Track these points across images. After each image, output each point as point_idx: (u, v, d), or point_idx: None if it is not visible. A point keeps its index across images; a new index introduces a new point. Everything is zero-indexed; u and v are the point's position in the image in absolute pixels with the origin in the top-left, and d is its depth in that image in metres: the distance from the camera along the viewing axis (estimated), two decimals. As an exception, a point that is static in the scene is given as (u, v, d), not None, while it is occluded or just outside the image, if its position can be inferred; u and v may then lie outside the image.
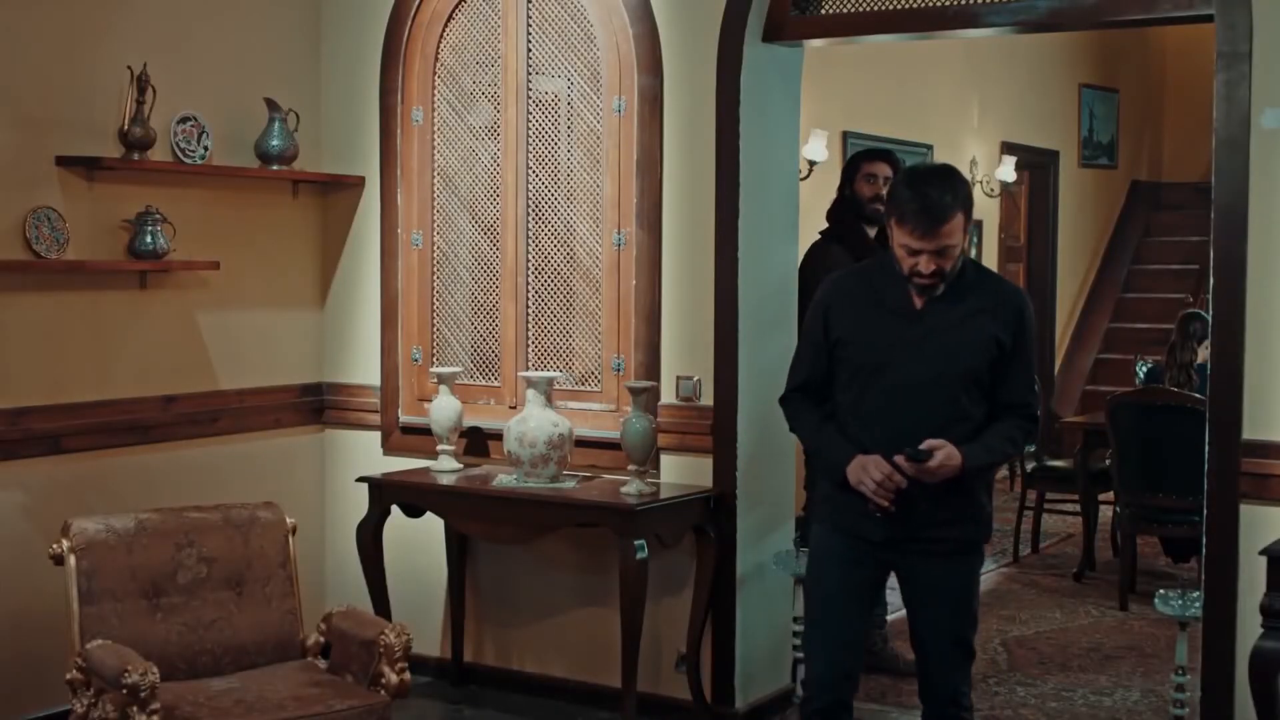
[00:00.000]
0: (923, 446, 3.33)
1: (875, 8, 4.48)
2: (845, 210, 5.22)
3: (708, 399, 4.67)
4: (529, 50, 4.94)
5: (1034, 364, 3.47)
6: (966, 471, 3.36)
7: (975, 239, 9.93)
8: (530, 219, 4.98)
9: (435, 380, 4.99)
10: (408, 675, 3.90)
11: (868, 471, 3.37)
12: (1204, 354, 6.49)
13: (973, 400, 3.42)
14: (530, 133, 4.96)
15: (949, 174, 3.32)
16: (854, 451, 3.43)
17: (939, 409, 3.38)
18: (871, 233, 5.18)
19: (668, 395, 4.74)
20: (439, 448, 4.93)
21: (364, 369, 5.32)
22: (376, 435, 5.29)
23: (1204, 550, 3.96)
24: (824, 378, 3.55)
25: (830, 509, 3.59)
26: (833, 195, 5.37)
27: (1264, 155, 3.85)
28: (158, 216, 4.65)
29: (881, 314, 3.44)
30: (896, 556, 3.54)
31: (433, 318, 5.19)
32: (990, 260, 10.17)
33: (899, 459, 3.35)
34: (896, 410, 3.39)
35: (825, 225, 5.30)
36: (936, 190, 3.27)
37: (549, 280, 4.96)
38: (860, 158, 5.31)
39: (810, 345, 3.59)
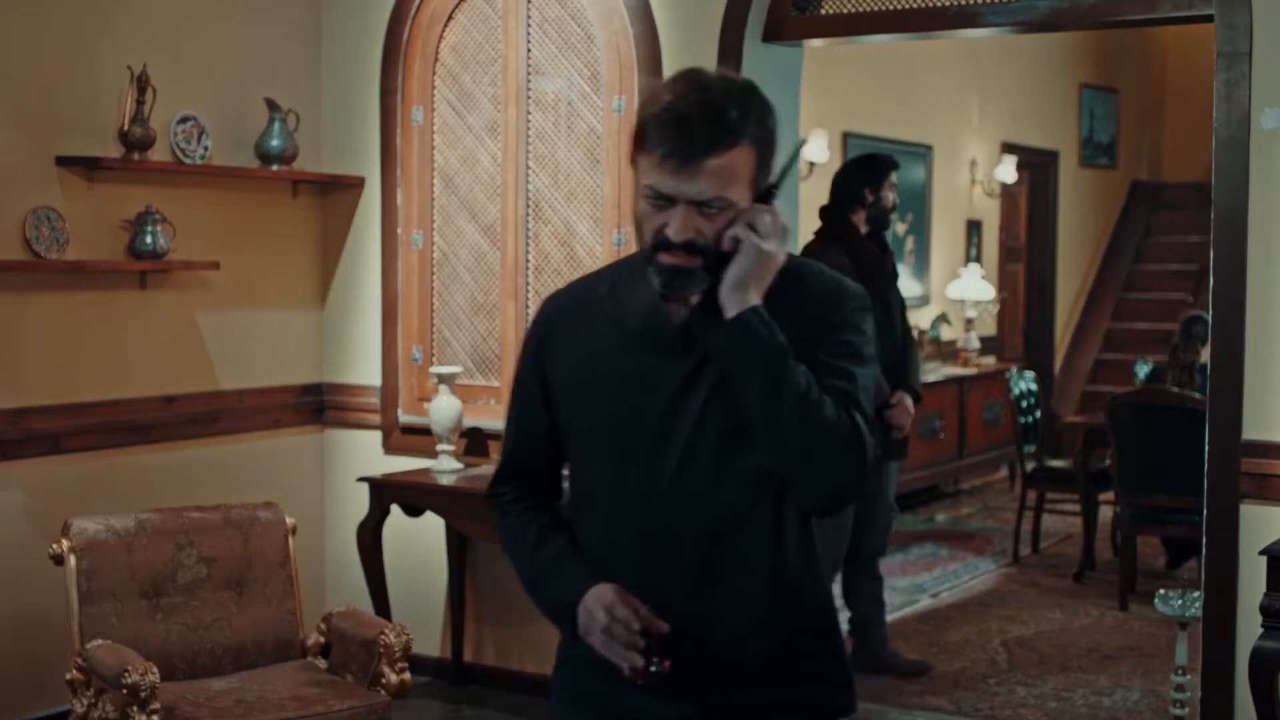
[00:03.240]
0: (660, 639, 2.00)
1: (875, 8, 4.48)
2: (843, 215, 5.20)
3: (708, 399, 4.65)
4: (529, 50, 4.94)
5: (858, 379, 2.02)
6: (742, 327, 1.96)
7: (975, 239, 9.94)
8: (530, 219, 4.98)
9: (435, 380, 4.99)
10: (408, 675, 3.90)
11: (594, 616, 2.02)
12: (1207, 354, 6.50)
13: (774, 481, 2.02)
14: (530, 133, 4.96)
15: (740, 84, 2.01)
16: (589, 581, 2.06)
17: (721, 498, 2.02)
18: (864, 229, 5.19)
19: (668, 395, 4.72)
20: (439, 448, 4.93)
21: (364, 369, 5.32)
22: (376, 435, 5.29)
23: (1204, 550, 3.96)
24: (546, 458, 2.22)
25: (574, 676, 2.24)
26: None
27: (1264, 155, 3.85)
28: (158, 216, 4.65)
29: (624, 343, 2.07)
30: None
31: (433, 318, 5.19)
32: (990, 261, 10.18)
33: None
34: (652, 507, 2.04)
35: (819, 225, 5.29)
36: (717, 97, 1.95)
37: (549, 280, 4.96)
38: (887, 167, 5.26)
39: (520, 407, 2.21)
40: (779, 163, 2.04)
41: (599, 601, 2.03)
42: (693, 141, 1.92)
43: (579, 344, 2.13)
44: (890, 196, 5.21)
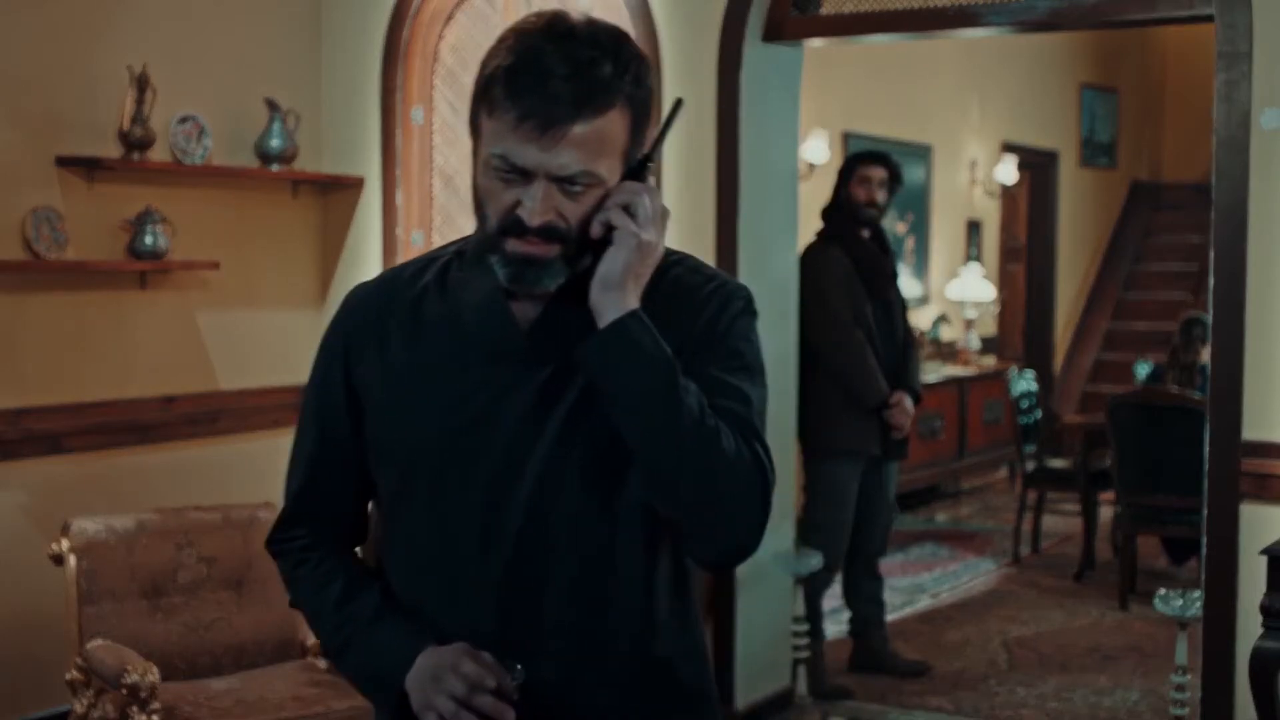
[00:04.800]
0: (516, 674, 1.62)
1: (875, 8, 4.48)
2: (840, 212, 5.21)
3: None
4: (529, 50, 4.93)
5: (753, 401, 1.66)
6: (620, 336, 1.57)
7: (975, 239, 9.94)
8: (530, 219, 4.97)
9: (435, 380, 4.98)
10: (408, 675, 3.89)
11: (442, 684, 1.61)
12: (1207, 354, 6.51)
13: (646, 526, 1.67)
14: (530, 133, 4.95)
15: (612, 31, 1.62)
16: (418, 644, 1.67)
17: (582, 545, 1.66)
18: (865, 234, 5.18)
19: (668, 395, 4.72)
20: (439, 448, 4.92)
21: (364, 369, 5.31)
22: (376, 435, 5.28)
23: (1204, 550, 3.96)
24: (350, 492, 1.80)
25: None
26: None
27: (1264, 155, 3.85)
28: (158, 216, 4.65)
29: (458, 349, 1.69)
30: None
31: (433, 318, 5.19)
32: (990, 261, 10.18)
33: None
34: (495, 555, 1.65)
35: (820, 226, 5.29)
36: (586, 48, 1.57)
37: (549, 280, 4.95)
38: (855, 160, 5.28)
39: (317, 428, 1.79)
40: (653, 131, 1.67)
41: (445, 664, 1.61)
42: (559, 102, 1.54)
43: (398, 348, 1.70)
44: (859, 192, 5.15)
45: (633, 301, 1.59)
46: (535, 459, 1.64)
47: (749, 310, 1.70)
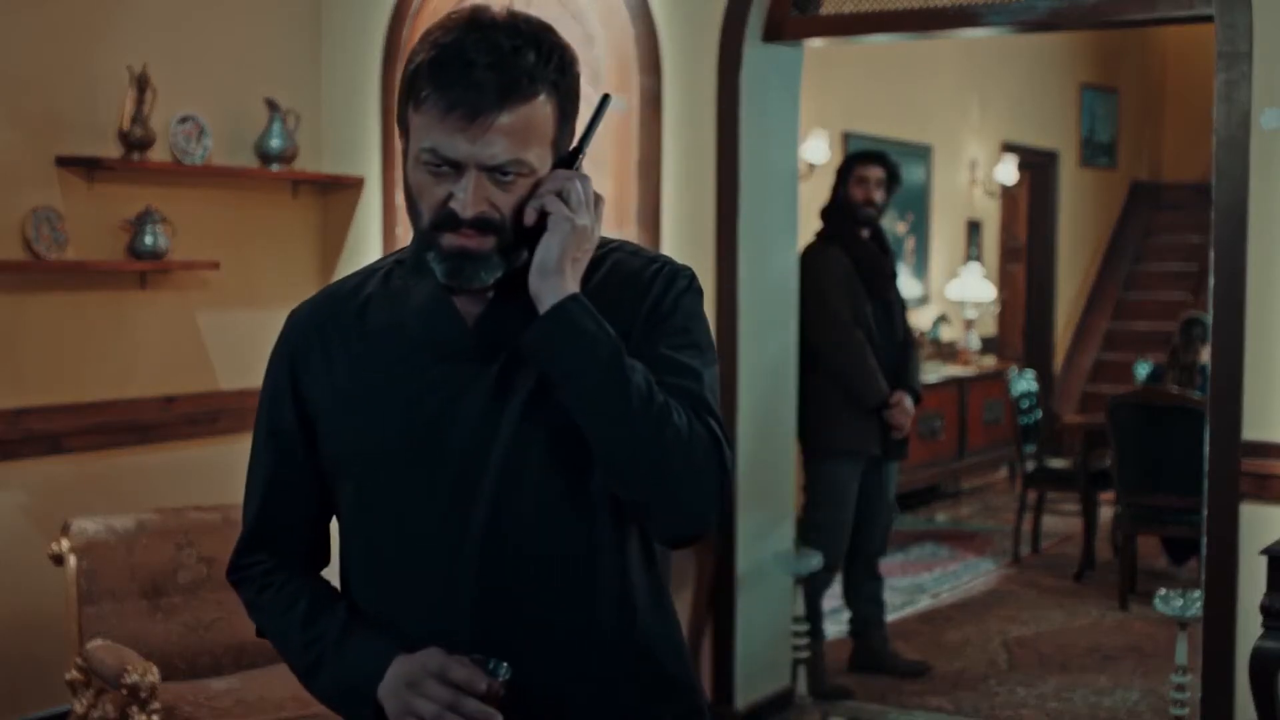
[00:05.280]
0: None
1: (875, 8, 4.48)
2: (839, 212, 5.21)
3: (708, 399, 4.64)
4: (529, 50, 4.93)
5: (704, 378, 1.66)
6: (561, 320, 1.58)
7: (975, 239, 9.94)
8: (530, 219, 4.97)
9: (435, 380, 4.98)
10: (408, 675, 3.89)
11: (421, 689, 1.58)
12: (1207, 354, 6.51)
13: (614, 509, 1.67)
14: (530, 133, 4.95)
15: (535, 22, 1.62)
16: (389, 653, 1.64)
17: (555, 536, 1.65)
18: (864, 234, 5.18)
19: (668, 395, 4.72)
20: (439, 448, 4.92)
21: (364, 369, 5.31)
22: (376, 435, 5.28)
23: (1204, 550, 3.96)
24: (310, 513, 1.79)
25: None
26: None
27: (1264, 155, 3.85)
28: (158, 216, 4.65)
29: (408, 352, 1.68)
30: None
31: (433, 318, 5.18)
32: (990, 261, 10.18)
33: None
34: (468, 555, 1.63)
35: (820, 226, 5.29)
36: (508, 37, 1.58)
37: (549, 280, 4.95)
38: (854, 159, 5.28)
39: (271, 450, 1.78)
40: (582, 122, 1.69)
41: (419, 669, 1.58)
42: (484, 91, 1.55)
43: (346, 360, 1.70)
44: (857, 192, 5.15)
45: (571, 286, 1.60)
46: (495, 454, 1.63)
47: (694, 288, 1.71)
